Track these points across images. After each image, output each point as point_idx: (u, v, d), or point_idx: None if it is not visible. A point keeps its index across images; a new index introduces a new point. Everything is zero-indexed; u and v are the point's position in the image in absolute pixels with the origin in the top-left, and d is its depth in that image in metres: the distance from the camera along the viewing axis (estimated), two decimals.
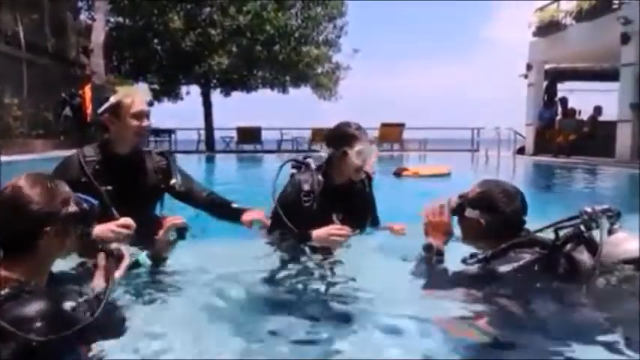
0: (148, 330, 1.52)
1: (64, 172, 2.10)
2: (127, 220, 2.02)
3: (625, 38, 10.99)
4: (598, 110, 13.64)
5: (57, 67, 13.98)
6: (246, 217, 2.32)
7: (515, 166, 12.09)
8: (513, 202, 1.74)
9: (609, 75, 13.43)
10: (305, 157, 2.51)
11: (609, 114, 12.80)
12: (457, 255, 1.77)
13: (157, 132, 16.06)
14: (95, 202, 1.41)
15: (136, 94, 2.28)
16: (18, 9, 12.27)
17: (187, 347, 1.48)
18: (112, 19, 16.97)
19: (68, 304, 1.20)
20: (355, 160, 2.31)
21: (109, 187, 2.15)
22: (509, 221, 1.72)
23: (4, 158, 6.91)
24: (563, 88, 15.33)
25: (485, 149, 14.83)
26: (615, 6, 11.59)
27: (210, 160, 14.78)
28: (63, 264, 1.51)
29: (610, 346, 1.37)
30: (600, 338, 1.41)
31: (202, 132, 18.60)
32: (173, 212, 2.31)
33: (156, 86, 17.83)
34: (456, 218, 1.85)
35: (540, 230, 1.71)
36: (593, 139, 12.80)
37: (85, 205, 1.36)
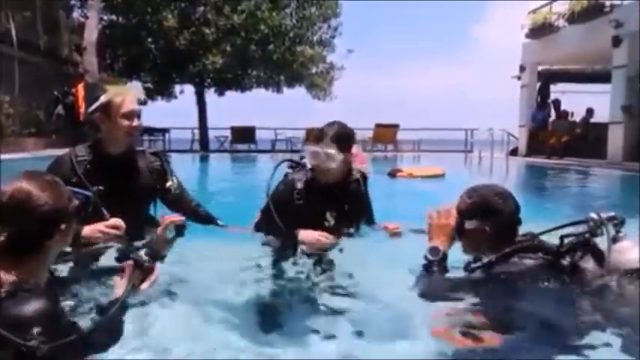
0: (144, 329, 1.52)
1: (55, 172, 2.05)
2: (117, 221, 2.00)
3: (616, 41, 11.10)
4: (590, 112, 13.76)
5: (49, 65, 13.88)
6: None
7: (508, 167, 12.17)
8: (508, 202, 1.74)
9: (601, 77, 13.56)
10: (302, 158, 2.50)
11: (601, 115, 12.93)
12: (454, 257, 1.77)
13: (151, 131, 15.97)
14: (89, 193, 1.42)
15: (126, 94, 2.27)
16: (10, 6, 12.16)
17: (182, 347, 1.48)
18: (105, 17, 16.83)
19: (67, 304, 1.19)
20: (311, 161, 2.30)
21: (101, 187, 2.13)
22: (510, 222, 1.72)
23: None
24: (555, 90, 15.46)
25: (479, 150, 14.91)
26: (607, 9, 11.70)
27: (204, 159, 14.74)
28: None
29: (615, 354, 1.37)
30: (606, 347, 1.40)
31: (196, 131, 18.54)
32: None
33: (149, 85, 17.74)
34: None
35: (544, 233, 1.70)
36: (586, 140, 12.91)
37: (81, 198, 1.37)
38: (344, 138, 2.30)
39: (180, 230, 1.76)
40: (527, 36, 14.67)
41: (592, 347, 1.40)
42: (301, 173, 2.38)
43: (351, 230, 2.41)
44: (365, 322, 1.71)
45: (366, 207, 2.56)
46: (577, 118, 14.06)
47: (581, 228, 1.63)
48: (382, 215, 2.67)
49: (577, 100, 15.10)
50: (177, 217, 1.79)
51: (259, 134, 17.64)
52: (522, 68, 15.12)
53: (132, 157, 2.31)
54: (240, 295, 1.94)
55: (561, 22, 13.24)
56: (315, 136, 2.38)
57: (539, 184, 8.68)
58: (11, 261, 1.18)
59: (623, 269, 1.53)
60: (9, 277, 1.15)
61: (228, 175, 10.07)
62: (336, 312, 1.81)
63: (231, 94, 18.68)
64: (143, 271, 1.43)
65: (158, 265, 1.51)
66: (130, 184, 2.26)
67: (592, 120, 13.66)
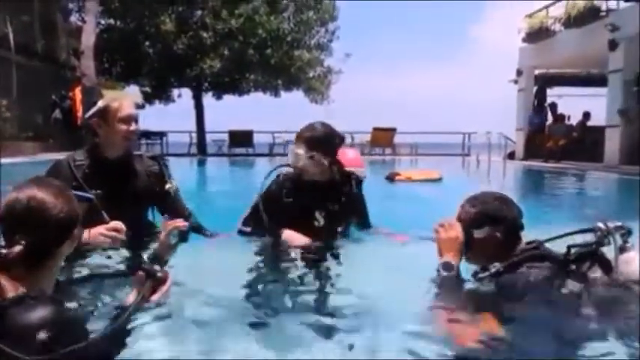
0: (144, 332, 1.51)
1: (54, 177, 2.07)
2: (117, 224, 2.01)
3: (612, 45, 11.16)
4: (587, 116, 13.83)
5: (47, 69, 13.88)
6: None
7: (505, 170, 12.19)
8: (512, 207, 1.74)
9: (597, 80, 13.63)
10: None
11: (597, 119, 12.99)
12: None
13: (148, 135, 15.97)
14: (92, 196, 1.42)
15: (123, 98, 2.32)
16: (7, 10, 12.16)
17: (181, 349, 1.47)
18: (102, 21, 16.85)
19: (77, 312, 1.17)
20: (290, 160, 2.40)
21: (99, 191, 2.14)
22: (516, 226, 1.72)
23: None
24: (552, 94, 15.53)
25: (477, 154, 14.93)
26: (603, 13, 11.78)
27: (201, 163, 14.73)
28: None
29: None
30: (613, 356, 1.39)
31: (194, 135, 18.54)
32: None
33: (147, 89, 17.76)
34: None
35: (549, 240, 1.70)
36: (583, 144, 12.96)
37: (84, 202, 1.37)
38: (317, 139, 2.37)
39: (183, 236, 1.75)
40: (524, 40, 14.74)
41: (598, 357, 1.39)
42: (291, 173, 2.46)
43: (340, 230, 2.42)
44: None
45: (361, 210, 2.56)
46: (574, 121, 14.12)
47: (587, 237, 1.62)
48: (381, 219, 2.67)
49: (574, 104, 15.18)
50: (181, 223, 1.79)
51: (257, 138, 17.66)
52: (519, 72, 15.19)
53: (130, 161, 2.32)
54: (226, 306, 1.91)
55: (557, 27, 13.32)
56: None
57: (537, 188, 8.70)
58: (25, 270, 1.16)
59: (630, 280, 1.52)
60: (21, 287, 1.12)
61: (226, 179, 10.06)
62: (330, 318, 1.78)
63: (228, 98, 18.71)
64: (155, 282, 1.42)
65: (171, 275, 1.49)
66: (128, 188, 2.27)
67: (589, 123, 13.72)
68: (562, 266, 1.60)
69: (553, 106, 14.92)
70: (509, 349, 1.44)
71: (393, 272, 2.07)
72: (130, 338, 1.36)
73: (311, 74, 18.28)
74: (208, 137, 18.71)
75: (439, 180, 7.49)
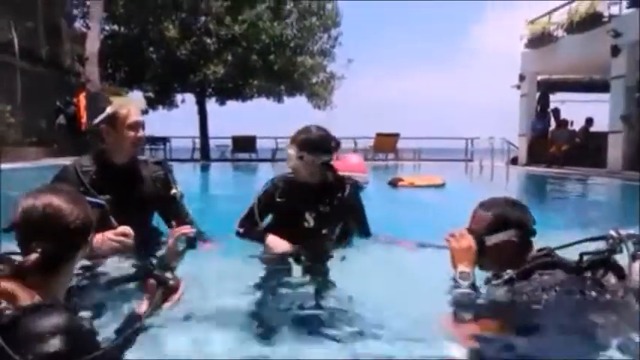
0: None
1: (62, 183, 2.10)
2: (125, 229, 2.02)
3: (615, 51, 11.17)
4: (589, 121, 13.82)
5: (51, 74, 13.95)
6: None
7: (508, 176, 12.18)
8: (524, 210, 1.75)
9: (600, 86, 13.62)
10: None
11: (600, 124, 12.97)
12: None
13: (152, 140, 16.02)
14: (103, 202, 1.42)
15: (131, 105, 2.34)
16: (12, 16, 12.26)
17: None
18: (107, 27, 16.99)
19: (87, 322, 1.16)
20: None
21: (107, 197, 2.15)
22: (530, 231, 1.72)
23: None
24: (555, 99, 15.53)
25: (480, 159, 14.92)
26: (605, 19, 11.79)
27: (205, 168, 14.76)
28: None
29: None
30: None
31: (197, 140, 18.60)
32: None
33: (151, 94, 17.85)
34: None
35: (561, 247, 1.70)
36: (585, 149, 12.95)
37: (96, 208, 1.37)
38: (311, 142, 2.40)
39: (191, 242, 1.76)
40: (527, 46, 14.76)
41: None
42: (286, 174, 2.52)
43: (326, 232, 2.42)
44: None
45: (358, 216, 2.55)
46: (576, 127, 14.11)
47: (599, 244, 1.62)
48: (384, 225, 2.67)
49: (576, 110, 15.18)
50: (189, 229, 1.80)
51: (260, 143, 17.72)
52: (522, 78, 15.20)
53: (136, 166, 2.34)
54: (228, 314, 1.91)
55: (560, 32, 13.33)
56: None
57: (540, 193, 8.69)
58: (40, 277, 1.16)
59: None
60: (37, 295, 1.12)
61: (229, 184, 10.08)
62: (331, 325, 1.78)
63: (232, 104, 18.81)
64: (167, 290, 1.41)
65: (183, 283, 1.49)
66: (134, 194, 2.29)
67: (591, 129, 13.71)
68: (575, 273, 1.61)
69: (556, 111, 14.92)
70: (523, 356, 1.44)
71: (394, 279, 2.07)
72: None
73: (314, 80, 18.36)
74: (212, 143, 18.79)
75: (442, 185, 7.49)
